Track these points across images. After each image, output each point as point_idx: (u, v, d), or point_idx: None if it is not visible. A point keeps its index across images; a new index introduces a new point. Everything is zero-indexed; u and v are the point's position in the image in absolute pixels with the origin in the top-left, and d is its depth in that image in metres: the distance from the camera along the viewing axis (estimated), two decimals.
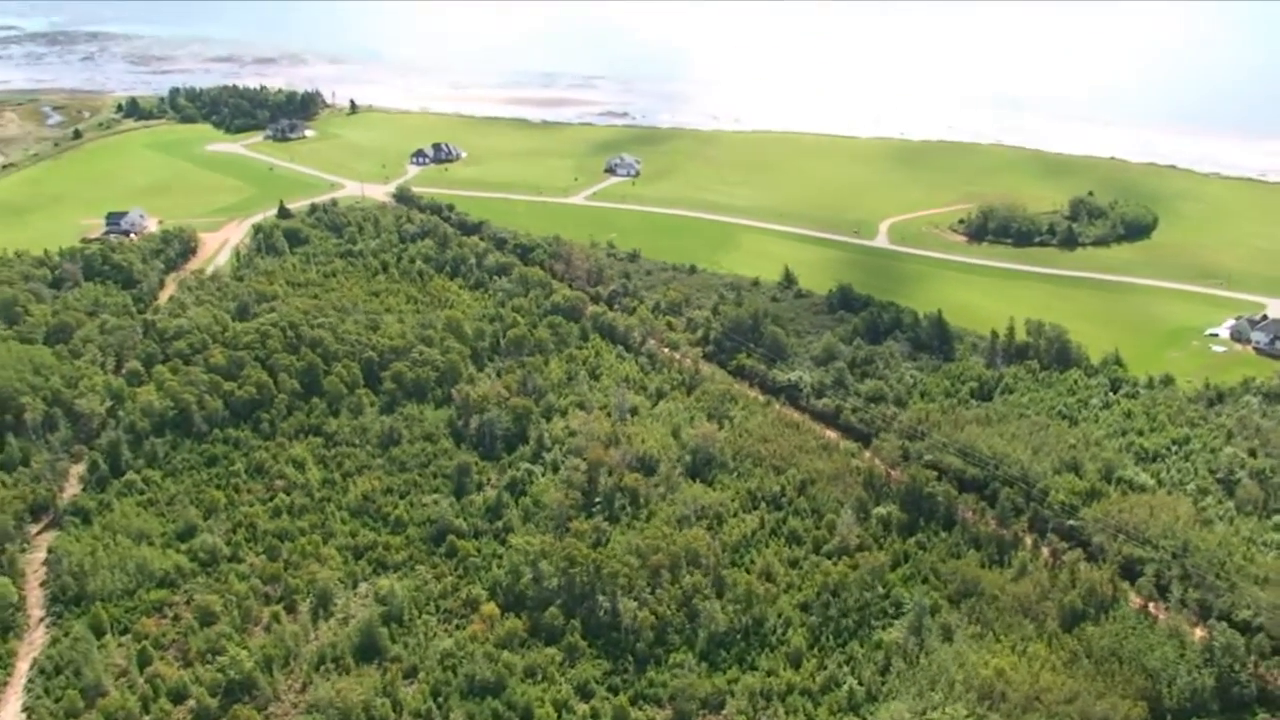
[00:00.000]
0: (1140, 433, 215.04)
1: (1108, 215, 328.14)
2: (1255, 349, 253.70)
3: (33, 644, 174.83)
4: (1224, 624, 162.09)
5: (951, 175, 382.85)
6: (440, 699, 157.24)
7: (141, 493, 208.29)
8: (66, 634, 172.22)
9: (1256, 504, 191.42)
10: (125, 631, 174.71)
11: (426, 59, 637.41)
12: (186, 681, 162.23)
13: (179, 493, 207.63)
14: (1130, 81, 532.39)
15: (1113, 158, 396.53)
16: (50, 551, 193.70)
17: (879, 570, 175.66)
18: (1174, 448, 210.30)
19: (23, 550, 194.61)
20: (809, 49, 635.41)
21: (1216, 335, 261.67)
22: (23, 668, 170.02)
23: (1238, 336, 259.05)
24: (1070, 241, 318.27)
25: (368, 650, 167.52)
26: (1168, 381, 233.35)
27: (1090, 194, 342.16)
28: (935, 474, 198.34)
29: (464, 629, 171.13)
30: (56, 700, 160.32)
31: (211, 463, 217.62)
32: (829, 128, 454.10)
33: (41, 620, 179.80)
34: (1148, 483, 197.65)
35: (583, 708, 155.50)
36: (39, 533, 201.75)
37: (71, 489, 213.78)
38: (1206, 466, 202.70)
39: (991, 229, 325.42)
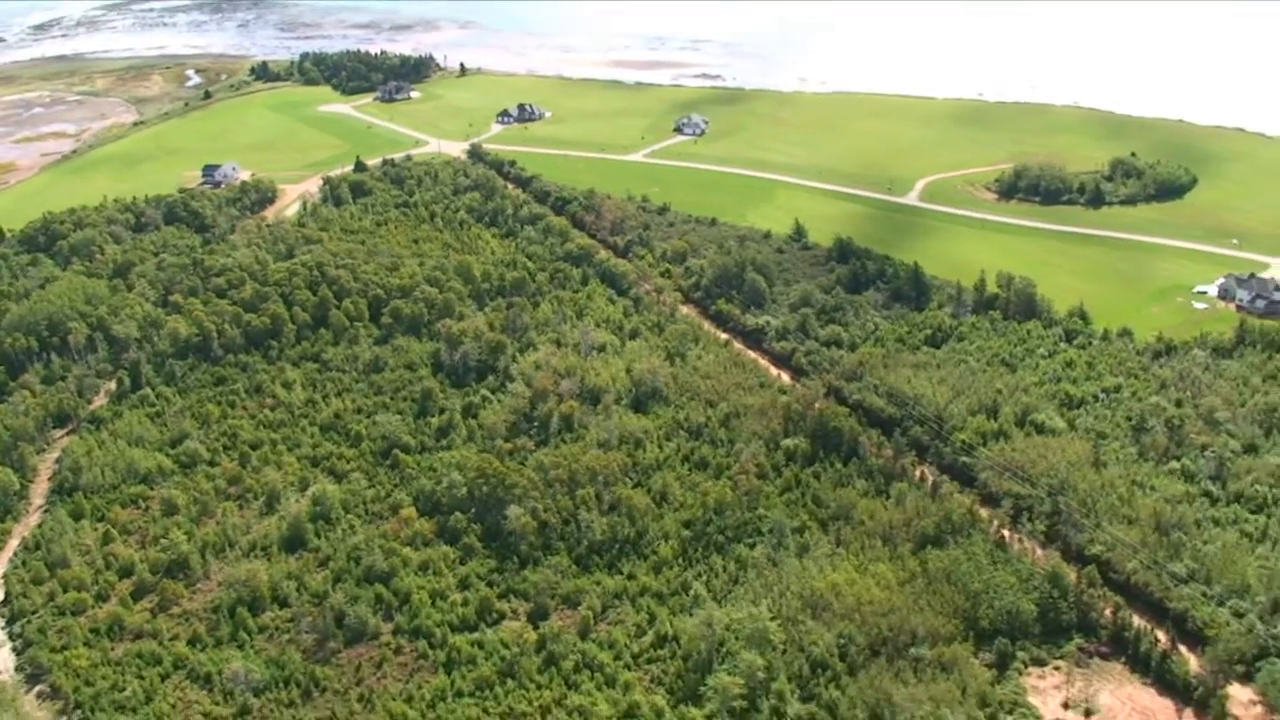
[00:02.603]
0: (1074, 381, 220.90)
1: (1143, 175, 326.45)
2: (1238, 306, 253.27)
3: (27, 526, 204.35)
4: (1057, 554, 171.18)
5: (1009, 135, 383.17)
6: (339, 583, 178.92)
7: (152, 405, 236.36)
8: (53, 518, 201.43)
9: (1159, 450, 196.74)
10: (102, 518, 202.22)
11: (551, 24, 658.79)
12: (136, 560, 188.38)
13: (183, 407, 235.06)
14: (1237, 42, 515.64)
15: (1180, 119, 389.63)
16: (63, 452, 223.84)
17: (754, 493, 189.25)
18: (1102, 395, 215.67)
19: (40, 451, 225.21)
20: (918, 14, 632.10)
21: (1205, 293, 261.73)
22: (13, 544, 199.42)
23: (1225, 294, 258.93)
24: (1097, 200, 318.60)
25: (293, 542, 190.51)
26: (1125, 334, 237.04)
27: (1133, 154, 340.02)
28: (847, 410, 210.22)
29: (380, 528, 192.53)
30: (28, 570, 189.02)
31: (220, 382, 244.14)
32: (908, 89, 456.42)
33: (40, 508, 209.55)
34: (1059, 426, 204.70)
35: (455, 596, 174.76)
36: (61, 437, 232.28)
37: (100, 402, 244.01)
38: (1125, 414, 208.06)
39: (1022, 187, 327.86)
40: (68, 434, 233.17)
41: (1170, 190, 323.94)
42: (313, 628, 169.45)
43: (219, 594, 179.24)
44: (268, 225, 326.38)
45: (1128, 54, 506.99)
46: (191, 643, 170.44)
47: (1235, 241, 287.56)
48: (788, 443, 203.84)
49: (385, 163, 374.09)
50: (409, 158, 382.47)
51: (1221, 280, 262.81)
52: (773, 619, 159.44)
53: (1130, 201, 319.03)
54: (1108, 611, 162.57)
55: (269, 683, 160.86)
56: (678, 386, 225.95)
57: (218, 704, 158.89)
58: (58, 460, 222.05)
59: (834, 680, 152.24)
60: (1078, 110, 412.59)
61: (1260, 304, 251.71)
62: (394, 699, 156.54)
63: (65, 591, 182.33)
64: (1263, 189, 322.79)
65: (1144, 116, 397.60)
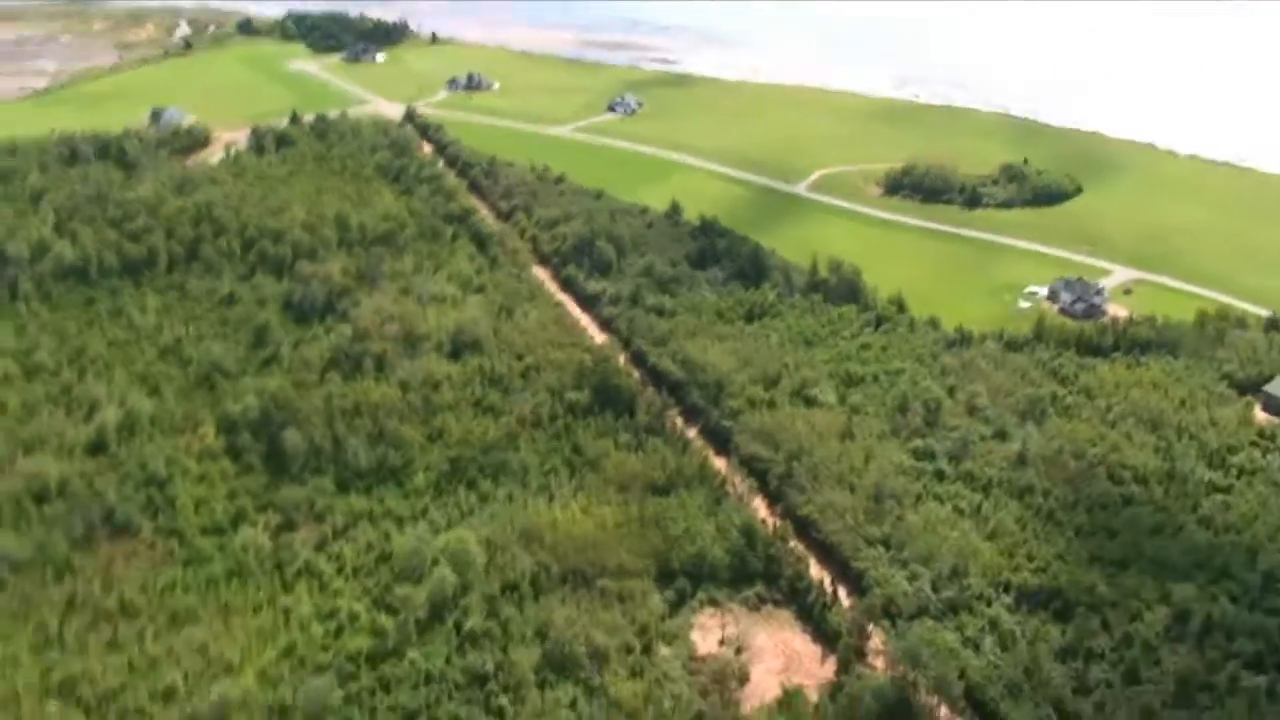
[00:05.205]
0: (863, 362, 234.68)
1: (1026, 181, 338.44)
2: (1060, 309, 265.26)
3: None
4: (757, 511, 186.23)
5: (920, 135, 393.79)
6: (121, 484, 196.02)
7: (19, 319, 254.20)
8: None
9: (910, 429, 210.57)
10: None
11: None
12: None
13: (47, 321, 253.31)
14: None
15: (1095, 131, 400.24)
16: None
17: (514, 435, 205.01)
18: (882, 376, 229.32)
19: None
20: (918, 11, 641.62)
21: (1035, 293, 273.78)
22: None
23: (1053, 296, 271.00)
24: (974, 202, 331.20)
25: (97, 447, 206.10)
26: (932, 323, 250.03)
27: (1025, 161, 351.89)
28: (629, 370, 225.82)
29: (176, 441, 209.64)
30: None
31: (89, 303, 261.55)
32: (851, 85, 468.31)
33: None
34: (829, 401, 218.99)
35: (218, 505, 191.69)
36: None
37: None
38: (895, 395, 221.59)
39: (906, 184, 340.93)
40: None
41: (1050, 197, 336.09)
42: (82, 520, 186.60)
43: (13, 484, 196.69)
44: (183, 166, 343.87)
45: (1078, 61, 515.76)
46: None
47: (1087, 248, 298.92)
48: (571, 395, 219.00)
49: (317, 118, 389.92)
50: (343, 114, 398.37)
51: (1053, 283, 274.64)
52: (479, 543, 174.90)
53: (1007, 205, 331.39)
54: (794, 565, 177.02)
55: (27, 562, 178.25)
56: (497, 339, 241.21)
57: None
58: None
59: (519, 602, 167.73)
60: (998, 117, 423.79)
61: (1079, 306, 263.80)
62: (130, 586, 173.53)
63: None
64: (1139, 202, 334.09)
65: (1061, 126, 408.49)
